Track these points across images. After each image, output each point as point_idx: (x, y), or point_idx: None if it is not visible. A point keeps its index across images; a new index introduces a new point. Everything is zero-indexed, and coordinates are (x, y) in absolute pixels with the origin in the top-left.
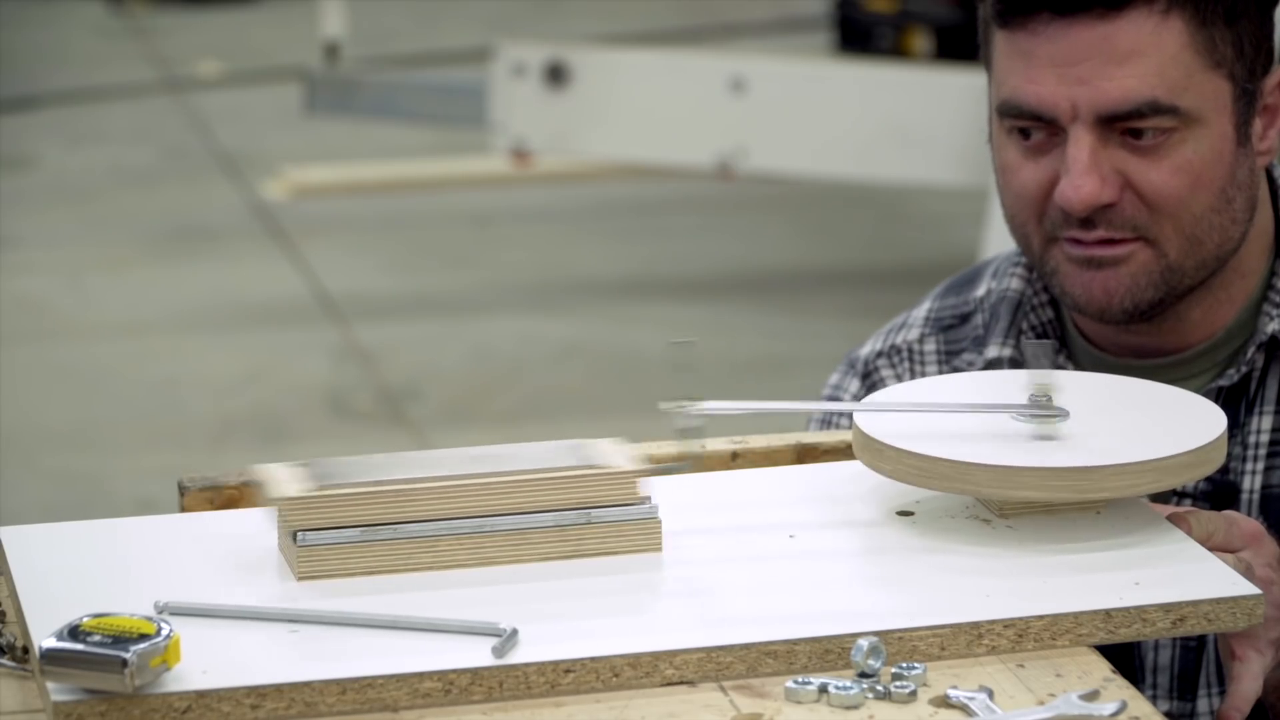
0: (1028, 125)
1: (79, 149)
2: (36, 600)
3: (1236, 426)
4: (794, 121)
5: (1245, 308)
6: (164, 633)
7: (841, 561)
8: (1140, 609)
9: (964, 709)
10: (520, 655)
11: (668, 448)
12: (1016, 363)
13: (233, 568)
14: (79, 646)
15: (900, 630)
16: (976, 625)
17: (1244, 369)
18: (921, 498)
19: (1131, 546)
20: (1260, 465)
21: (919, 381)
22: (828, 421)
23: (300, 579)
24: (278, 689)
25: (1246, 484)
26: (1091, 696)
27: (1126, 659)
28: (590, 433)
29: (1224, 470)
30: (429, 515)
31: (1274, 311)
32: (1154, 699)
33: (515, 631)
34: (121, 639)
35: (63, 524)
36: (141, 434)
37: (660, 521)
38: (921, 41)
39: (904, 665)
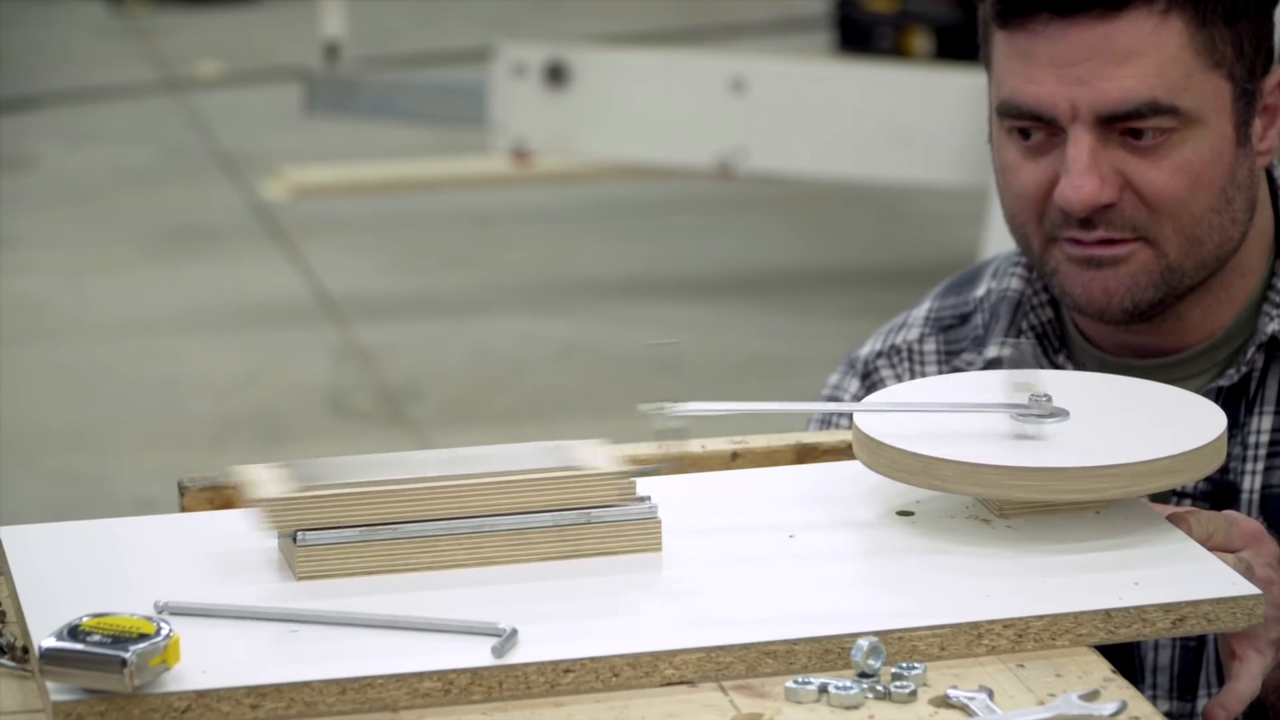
0: (1027, 125)
1: (79, 149)
2: (36, 600)
3: (1236, 427)
4: (794, 121)
5: (1245, 308)
6: (163, 632)
7: (841, 561)
8: (1140, 609)
9: (964, 709)
10: (520, 655)
11: (652, 449)
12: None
13: (232, 568)
14: (78, 646)
15: (900, 630)
16: (976, 625)
17: (1244, 369)
18: (921, 498)
19: (1131, 546)
20: (1260, 465)
21: (919, 381)
22: (828, 421)
23: (300, 579)
24: (277, 689)
25: (1246, 484)
26: (1091, 696)
27: (1126, 659)
28: (590, 433)
29: (1224, 470)
30: (414, 516)
31: (1274, 312)
32: (1154, 699)
33: (515, 631)
34: (121, 639)
35: (63, 524)
36: (141, 434)
37: (660, 521)
38: (921, 41)
39: (904, 665)
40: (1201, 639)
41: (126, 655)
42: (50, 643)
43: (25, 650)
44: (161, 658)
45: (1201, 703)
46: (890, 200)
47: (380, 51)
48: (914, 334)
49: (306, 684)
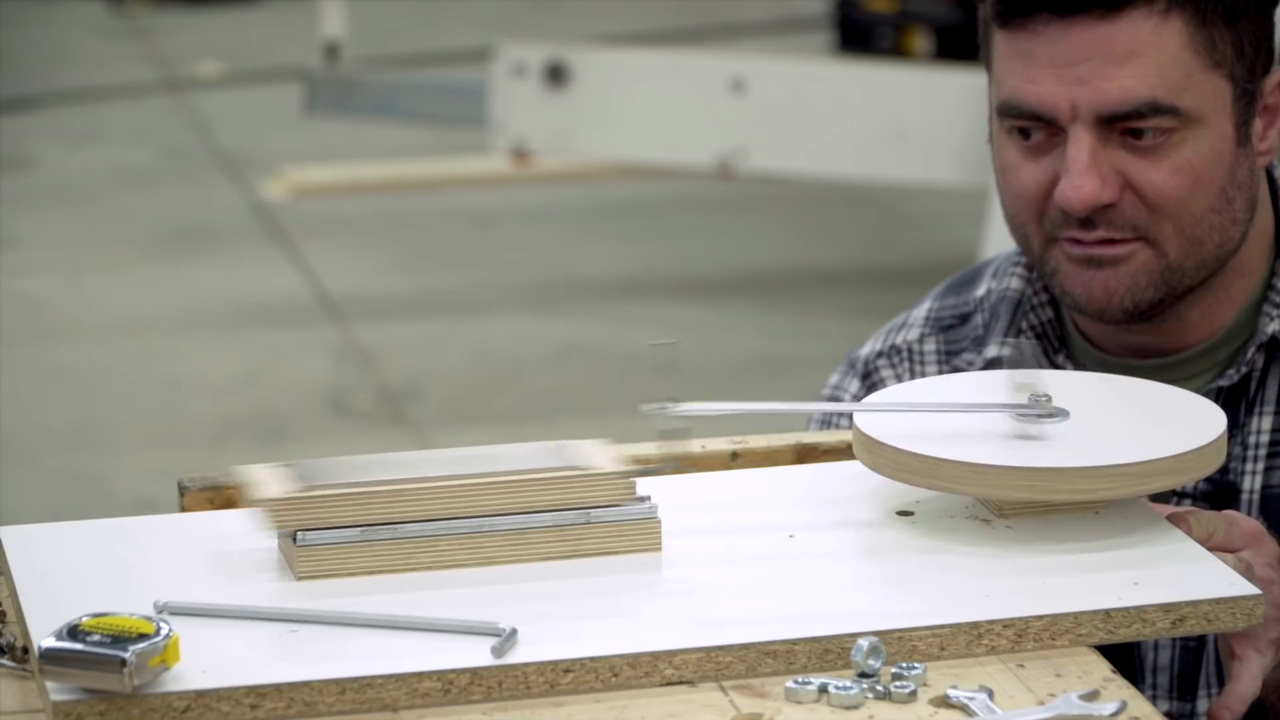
0: (1028, 125)
1: (79, 149)
2: (36, 600)
3: (1236, 427)
4: (794, 121)
5: (1245, 308)
6: (163, 632)
7: (841, 561)
8: (1140, 609)
9: (964, 709)
10: (519, 655)
11: (654, 448)
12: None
13: (232, 568)
14: (78, 646)
15: (900, 630)
16: (976, 625)
17: (1244, 369)
18: (921, 498)
19: (1131, 546)
20: (1260, 465)
21: (919, 381)
22: (828, 422)
23: (300, 579)
24: (277, 689)
25: (1246, 484)
26: (1091, 696)
27: (1126, 659)
28: (590, 433)
29: (1224, 470)
30: (416, 516)
31: (1274, 312)
32: (1154, 699)
33: (514, 631)
34: (120, 639)
35: (63, 524)
36: (141, 434)
37: (660, 521)
38: (921, 41)
39: (904, 665)
40: (1201, 639)
41: (126, 655)
42: (50, 642)
43: (25, 650)
44: (161, 658)
45: (1201, 703)
46: (890, 200)
47: (380, 51)
48: (914, 334)
49: (306, 684)
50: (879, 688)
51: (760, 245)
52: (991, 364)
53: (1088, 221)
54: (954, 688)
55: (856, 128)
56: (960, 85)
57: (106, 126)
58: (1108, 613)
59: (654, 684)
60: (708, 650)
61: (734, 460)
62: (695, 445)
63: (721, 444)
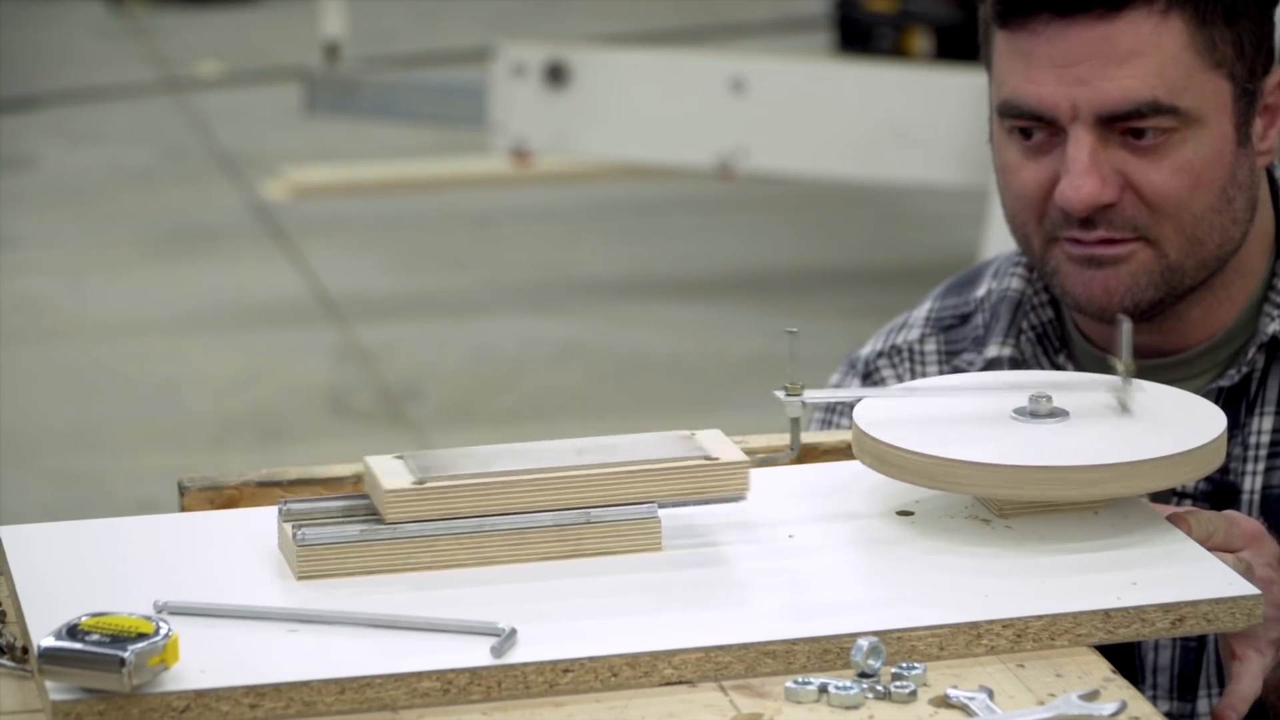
0: (1028, 125)
1: (79, 149)
2: (36, 600)
3: (1237, 427)
4: (794, 121)
5: (1246, 308)
6: (162, 632)
7: (841, 561)
8: (1139, 609)
9: (964, 709)
10: (519, 655)
11: (761, 439)
12: (1016, 363)
13: (232, 568)
14: (77, 646)
15: (900, 630)
16: (976, 625)
17: (1244, 369)
18: (921, 498)
19: (1131, 546)
20: (1261, 466)
21: (919, 381)
22: (828, 422)
23: (300, 579)
24: (276, 688)
25: (1247, 485)
26: (1091, 696)
27: (1127, 659)
28: (589, 433)
29: (1224, 471)
30: (538, 506)
31: (1275, 312)
32: (1154, 699)
33: (514, 631)
34: (120, 638)
35: (63, 524)
36: (141, 434)
37: (659, 521)
38: (921, 41)
39: (904, 665)
40: (1202, 639)
41: (125, 655)
42: (49, 642)
43: (25, 650)
44: (160, 657)
45: (1202, 703)
46: (890, 200)
47: (380, 51)
48: (915, 334)
49: (305, 684)
50: (879, 688)
51: (760, 245)
52: (992, 364)
53: (1088, 221)
54: (954, 688)
55: (856, 128)
56: (960, 85)
57: (106, 126)
58: (1107, 613)
59: (654, 684)
60: (707, 650)
61: None
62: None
63: None
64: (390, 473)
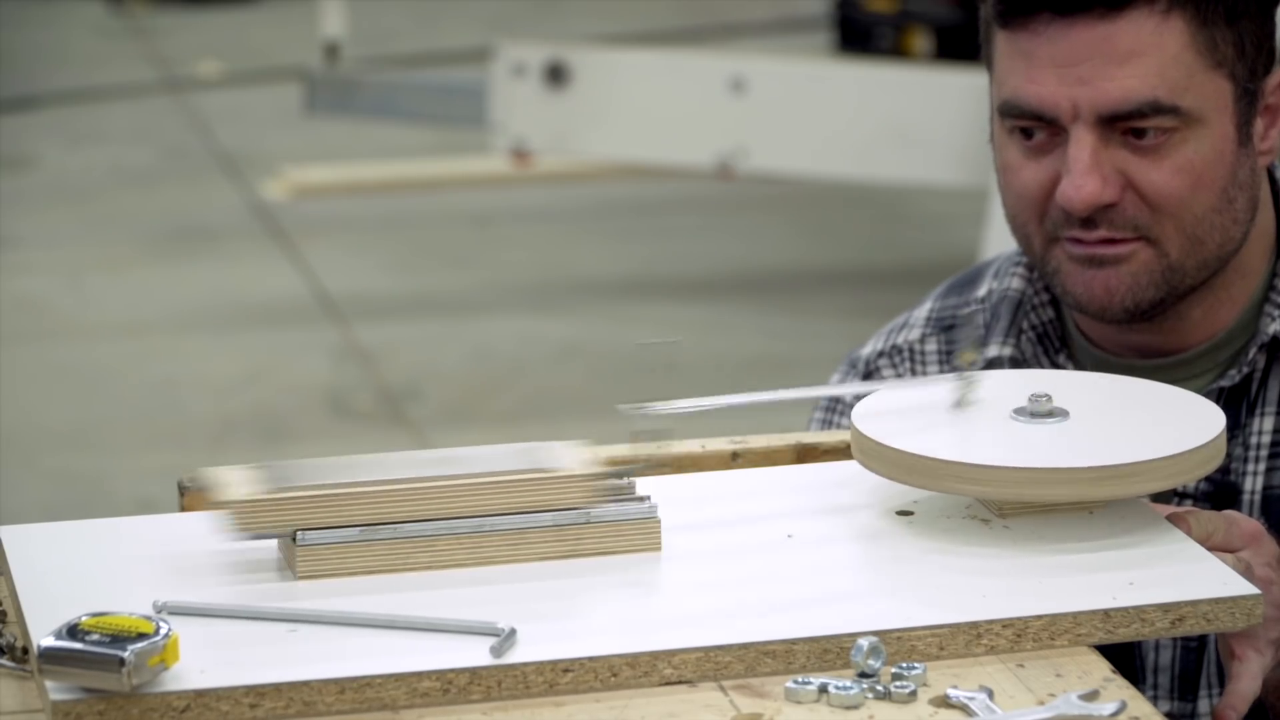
0: (1029, 125)
1: (79, 149)
2: (36, 600)
3: (1237, 427)
4: (794, 121)
5: (1247, 308)
6: (162, 632)
7: (841, 561)
8: (1139, 609)
9: (964, 709)
10: (519, 655)
11: (628, 449)
12: (1016, 362)
13: (232, 568)
14: (77, 645)
15: (899, 630)
16: (975, 625)
17: (1245, 370)
18: (921, 498)
19: (1130, 546)
20: (1261, 466)
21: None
22: (828, 422)
23: (300, 579)
24: (276, 688)
25: (1247, 485)
26: (1091, 696)
27: (1127, 659)
28: (590, 433)
29: (1225, 471)
30: (377, 518)
31: (1275, 312)
32: (1154, 699)
33: (513, 631)
34: (120, 638)
35: (63, 524)
36: (141, 434)
37: (659, 521)
38: (921, 41)
39: (904, 665)
40: (1202, 639)
41: (125, 654)
42: (49, 642)
43: (25, 650)
44: (160, 657)
45: (1203, 703)
46: (890, 200)
47: (380, 51)
48: (915, 334)
49: (305, 683)
50: (879, 688)
51: (760, 245)
52: (992, 364)
53: (1089, 221)
54: (954, 688)
55: (856, 128)
56: (960, 85)
57: (106, 126)
58: (1107, 612)
59: (653, 684)
60: (707, 650)
61: (734, 460)
62: (695, 445)
63: (722, 444)
64: (235, 484)
